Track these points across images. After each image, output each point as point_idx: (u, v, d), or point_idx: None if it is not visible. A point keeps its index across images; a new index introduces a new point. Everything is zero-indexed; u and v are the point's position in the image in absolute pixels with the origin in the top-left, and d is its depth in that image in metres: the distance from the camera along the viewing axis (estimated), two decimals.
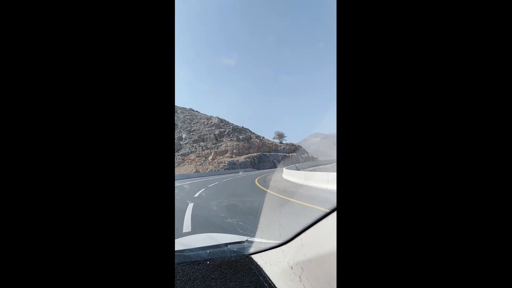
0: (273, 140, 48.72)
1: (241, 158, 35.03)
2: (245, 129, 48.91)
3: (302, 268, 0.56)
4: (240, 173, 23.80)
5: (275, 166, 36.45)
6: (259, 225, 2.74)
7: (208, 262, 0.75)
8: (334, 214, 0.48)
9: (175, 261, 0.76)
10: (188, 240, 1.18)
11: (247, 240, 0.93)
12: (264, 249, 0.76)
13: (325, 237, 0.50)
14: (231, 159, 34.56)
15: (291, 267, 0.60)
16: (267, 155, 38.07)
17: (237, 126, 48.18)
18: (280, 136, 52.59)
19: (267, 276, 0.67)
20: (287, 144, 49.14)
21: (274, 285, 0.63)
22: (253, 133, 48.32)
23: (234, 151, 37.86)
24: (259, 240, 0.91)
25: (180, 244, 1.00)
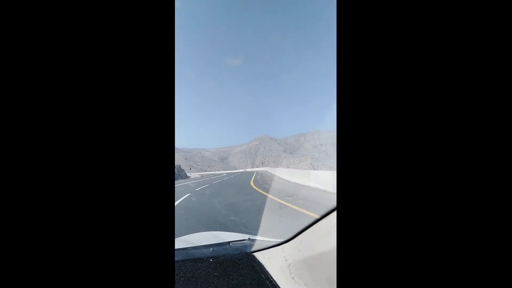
0: None
1: None
2: None
3: (302, 266, 0.58)
4: None
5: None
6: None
7: (211, 260, 0.78)
8: (334, 213, 0.49)
9: (179, 259, 0.78)
10: (191, 238, 1.20)
11: (249, 238, 0.96)
12: (266, 247, 0.79)
13: (325, 236, 0.51)
14: None
15: (292, 265, 0.61)
16: None
17: None
18: None
19: (268, 274, 0.69)
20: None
21: (275, 282, 0.65)
22: None
23: None
24: (261, 238, 0.93)
25: (184, 242, 1.03)
